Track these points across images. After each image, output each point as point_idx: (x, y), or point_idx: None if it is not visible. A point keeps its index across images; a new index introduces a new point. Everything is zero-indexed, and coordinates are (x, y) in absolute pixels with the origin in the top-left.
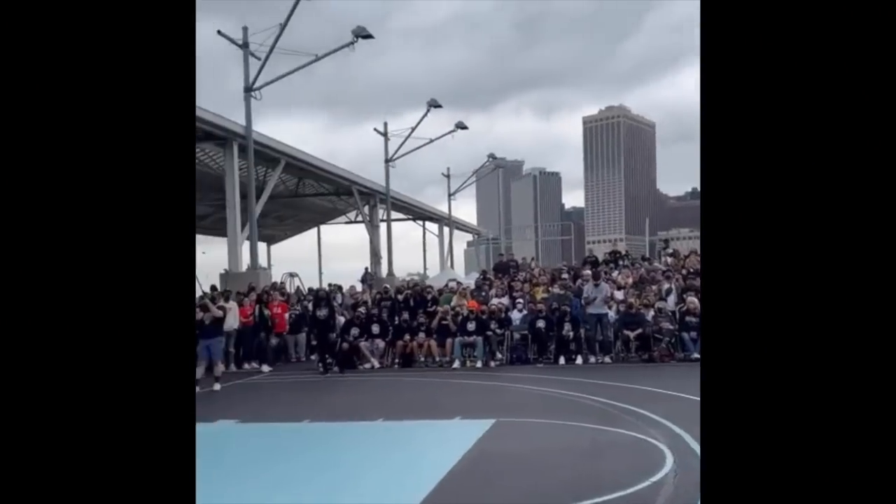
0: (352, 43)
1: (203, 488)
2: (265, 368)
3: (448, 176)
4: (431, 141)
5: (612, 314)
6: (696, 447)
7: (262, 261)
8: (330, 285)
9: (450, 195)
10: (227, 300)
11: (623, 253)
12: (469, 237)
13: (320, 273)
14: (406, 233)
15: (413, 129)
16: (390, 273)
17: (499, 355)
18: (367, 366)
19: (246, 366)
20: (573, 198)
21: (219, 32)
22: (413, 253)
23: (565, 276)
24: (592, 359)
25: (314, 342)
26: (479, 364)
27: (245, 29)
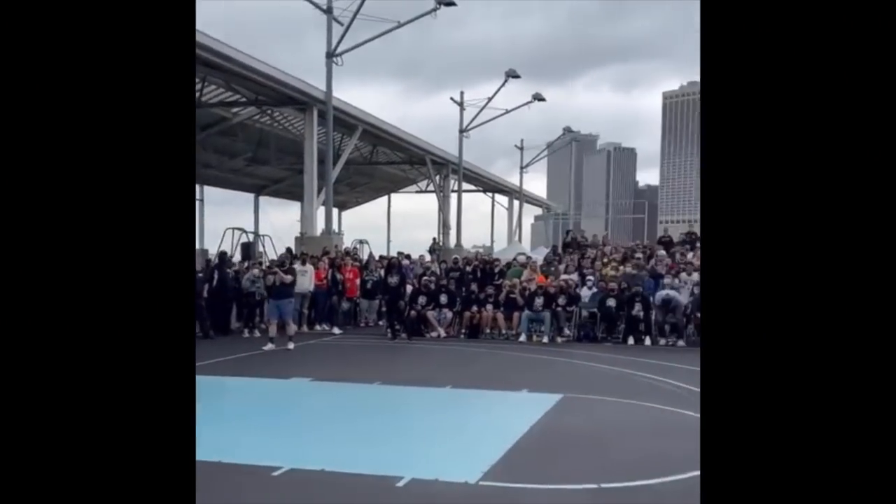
0: (434, 10)
1: (279, 438)
2: (336, 331)
3: (521, 148)
4: (507, 112)
5: (682, 297)
6: None
7: (334, 226)
8: (399, 254)
9: (521, 167)
10: (303, 263)
11: (699, 235)
12: (538, 211)
13: (388, 241)
14: (475, 204)
15: (490, 100)
16: (458, 244)
17: (566, 331)
18: (434, 334)
19: (317, 327)
20: (648, 175)
21: None
22: (481, 225)
23: (638, 255)
24: (662, 341)
25: (384, 308)
26: (545, 339)
27: None
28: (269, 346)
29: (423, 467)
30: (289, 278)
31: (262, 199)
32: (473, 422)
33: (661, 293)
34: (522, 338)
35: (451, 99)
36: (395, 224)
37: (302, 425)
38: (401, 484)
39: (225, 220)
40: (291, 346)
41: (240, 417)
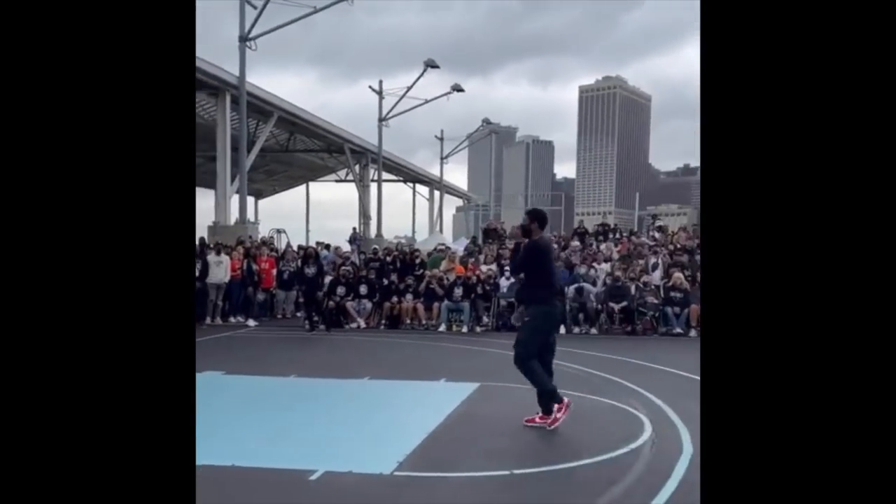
0: None
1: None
2: (251, 323)
3: (441, 139)
4: (426, 102)
5: (595, 287)
6: (675, 418)
7: (250, 215)
8: (318, 243)
9: (442, 158)
10: (218, 253)
11: (612, 226)
12: (459, 202)
13: (307, 230)
14: (396, 194)
15: (409, 89)
16: (379, 234)
17: (485, 321)
18: (354, 325)
19: (232, 319)
20: (565, 168)
21: None
22: (402, 215)
23: (554, 246)
24: (576, 329)
25: (301, 299)
26: (464, 329)
27: None
28: None
29: (336, 460)
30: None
31: None
32: (390, 412)
33: (575, 283)
34: (442, 328)
35: (370, 87)
36: (315, 213)
37: (213, 420)
38: (314, 477)
39: None
40: None
41: None
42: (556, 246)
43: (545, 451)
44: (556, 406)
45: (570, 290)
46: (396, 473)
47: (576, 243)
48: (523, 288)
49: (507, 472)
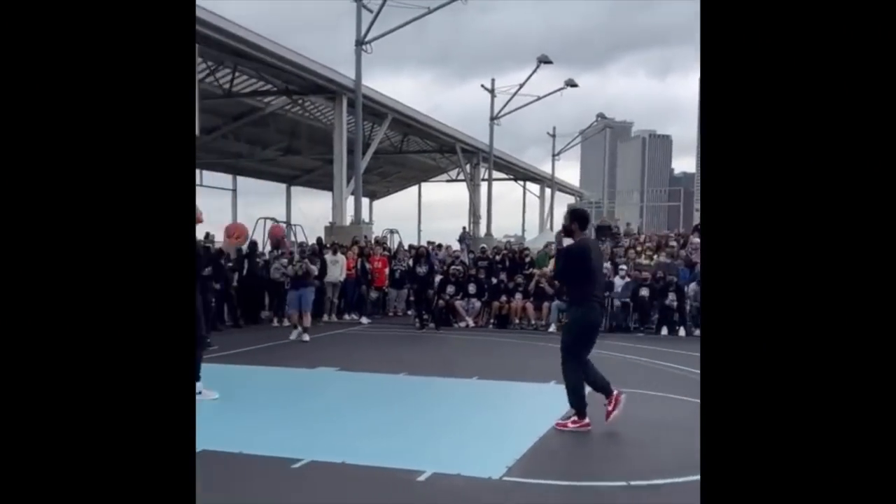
0: None
1: (301, 429)
2: (364, 320)
3: (553, 135)
4: (539, 98)
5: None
6: None
7: (365, 215)
8: (429, 243)
9: (554, 155)
10: (334, 253)
11: None
12: (571, 199)
13: (419, 230)
14: (506, 193)
15: (521, 86)
16: (488, 233)
17: None
18: (462, 324)
19: (346, 316)
20: (684, 163)
21: None
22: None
23: (673, 243)
24: (697, 331)
25: (412, 298)
26: None
27: None
28: (295, 335)
29: (445, 461)
30: (313, 268)
31: (294, 189)
32: (498, 414)
33: (696, 282)
34: (552, 328)
35: (482, 86)
36: (426, 214)
37: (325, 416)
38: (422, 478)
39: (258, 210)
40: (307, 338)
41: (263, 408)
42: (674, 244)
43: (665, 460)
44: (584, 413)
45: (692, 289)
46: (505, 478)
47: (696, 240)
48: (567, 290)
49: (623, 483)
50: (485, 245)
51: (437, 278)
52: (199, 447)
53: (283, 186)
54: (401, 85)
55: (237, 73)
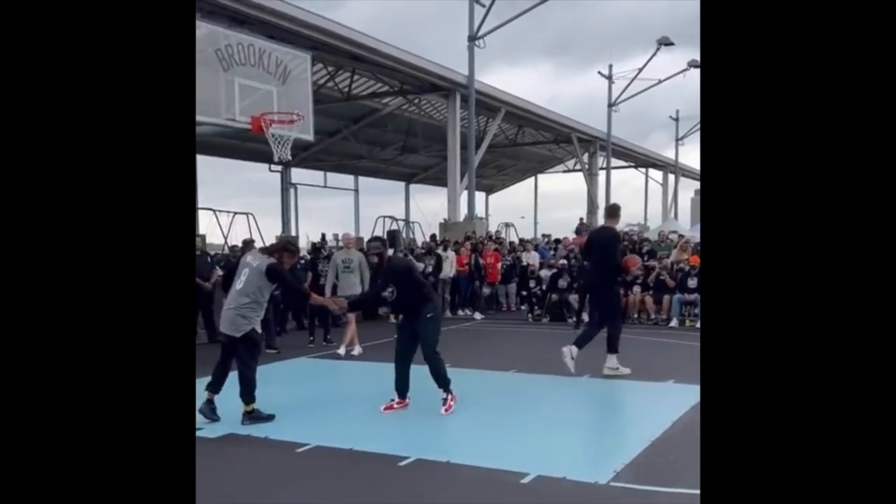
0: None
1: (407, 427)
2: (477, 316)
3: (676, 119)
4: (660, 82)
5: None
6: None
7: (480, 210)
8: (543, 235)
9: (677, 140)
10: (445, 249)
11: None
12: (697, 185)
13: (535, 223)
14: (627, 181)
15: (640, 70)
16: None
17: None
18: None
19: (460, 312)
20: None
21: None
22: (634, 202)
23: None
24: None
25: (523, 292)
26: (699, 324)
27: None
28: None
29: (550, 464)
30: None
31: (413, 186)
32: (610, 415)
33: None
34: (673, 322)
35: (599, 73)
36: (543, 205)
37: (432, 415)
38: (525, 480)
39: (379, 209)
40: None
41: (372, 405)
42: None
43: None
44: None
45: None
46: (613, 484)
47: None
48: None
49: None
50: None
51: (544, 272)
52: (312, 443)
53: (402, 185)
54: (517, 78)
55: (355, 77)
